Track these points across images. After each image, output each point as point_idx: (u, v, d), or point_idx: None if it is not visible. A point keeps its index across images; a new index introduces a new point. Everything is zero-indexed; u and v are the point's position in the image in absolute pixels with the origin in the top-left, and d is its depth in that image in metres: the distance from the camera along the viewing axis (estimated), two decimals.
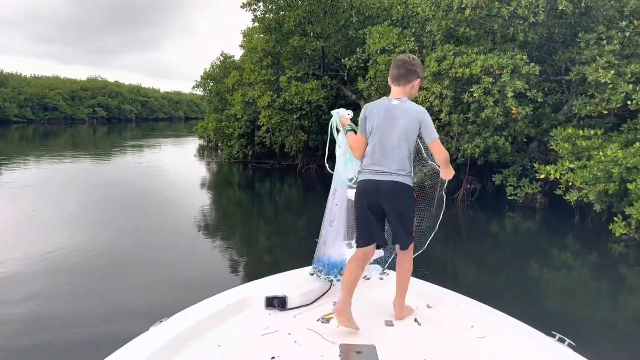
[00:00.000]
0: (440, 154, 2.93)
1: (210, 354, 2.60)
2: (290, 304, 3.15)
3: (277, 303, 3.12)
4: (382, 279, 3.52)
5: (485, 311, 3.01)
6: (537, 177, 10.11)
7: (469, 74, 10.23)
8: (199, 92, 28.66)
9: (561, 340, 2.58)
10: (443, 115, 10.94)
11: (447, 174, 3.07)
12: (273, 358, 2.53)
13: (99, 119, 76.44)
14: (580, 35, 10.11)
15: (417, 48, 12.29)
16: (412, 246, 3.05)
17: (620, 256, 7.90)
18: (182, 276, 6.59)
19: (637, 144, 8.44)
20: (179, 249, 8.06)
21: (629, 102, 9.02)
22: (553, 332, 2.65)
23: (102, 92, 79.99)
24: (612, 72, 9.22)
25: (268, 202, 13.51)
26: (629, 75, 9.14)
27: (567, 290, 6.52)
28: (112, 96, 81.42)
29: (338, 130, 3.31)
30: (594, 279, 7.06)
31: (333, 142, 3.39)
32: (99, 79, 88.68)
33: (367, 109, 3.01)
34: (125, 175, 17.28)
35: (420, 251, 3.41)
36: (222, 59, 25.37)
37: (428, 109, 11.09)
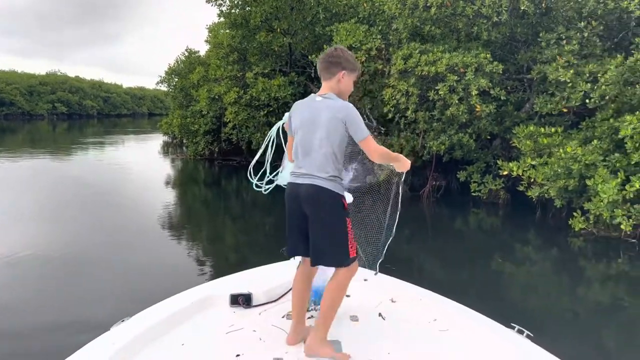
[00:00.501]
0: (373, 153, 2.59)
1: (173, 352, 2.56)
2: (255, 301, 3.14)
3: (241, 300, 3.10)
4: None
5: (448, 305, 3.09)
6: (500, 174, 10.32)
7: (434, 71, 10.35)
8: (163, 87, 28.17)
9: (520, 332, 2.68)
10: (409, 112, 11.05)
11: (399, 166, 2.83)
12: (238, 355, 2.52)
13: (59, 115, 74.25)
14: (541, 34, 10.36)
15: (383, 45, 12.37)
16: (353, 266, 2.62)
17: (579, 250, 8.14)
18: (145, 275, 6.44)
19: (595, 141, 8.72)
20: (142, 247, 7.88)
21: (587, 101, 9.30)
22: (512, 324, 2.74)
23: (61, 87, 77.76)
24: (571, 71, 9.49)
25: (235, 199, 13.36)
26: (587, 75, 9.42)
27: (529, 283, 6.68)
28: (73, 91, 79.23)
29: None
30: (554, 272, 7.25)
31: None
32: (59, 73, 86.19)
33: (293, 107, 2.81)
34: (86, 173, 16.80)
35: (379, 261, 3.31)
36: (186, 54, 24.99)
37: (394, 107, 11.34)
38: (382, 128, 12.78)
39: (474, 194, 11.16)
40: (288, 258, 3.54)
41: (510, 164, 9.74)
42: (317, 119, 2.61)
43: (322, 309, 2.59)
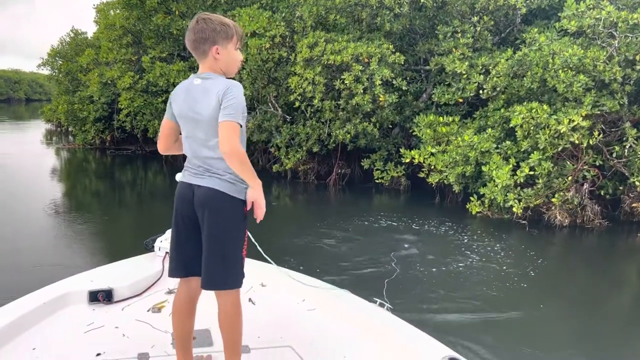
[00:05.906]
0: (228, 143, 2.10)
1: (21, 359, 2.32)
2: (117, 296, 2.97)
3: (101, 296, 2.93)
4: None
5: (316, 285, 3.21)
6: (402, 161, 10.68)
7: (340, 61, 10.40)
8: (45, 71, 25.81)
9: (381, 305, 2.89)
10: (316, 101, 11.02)
11: (251, 192, 2.24)
12: (98, 354, 2.38)
13: None
14: (438, 27, 10.83)
15: (287, 33, 12.21)
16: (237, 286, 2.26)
17: (475, 232, 8.62)
18: None
19: (489, 129, 9.29)
20: (7, 243, 7.19)
21: (480, 91, 9.88)
22: (374, 299, 2.95)
23: None
24: (466, 63, 10.02)
25: (129, 191, 12.54)
26: (480, 67, 10.00)
27: (424, 265, 6.89)
28: None
29: None
30: (451, 253, 7.57)
31: None
32: None
33: (173, 92, 2.40)
34: None
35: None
36: (72, 35, 23.04)
37: (301, 95, 11.23)
38: (287, 116, 12.66)
39: (377, 181, 11.45)
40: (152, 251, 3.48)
41: (412, 152, 10.09)
42: (195, 107, 2.22)
43: (232, 340, 2.23)
